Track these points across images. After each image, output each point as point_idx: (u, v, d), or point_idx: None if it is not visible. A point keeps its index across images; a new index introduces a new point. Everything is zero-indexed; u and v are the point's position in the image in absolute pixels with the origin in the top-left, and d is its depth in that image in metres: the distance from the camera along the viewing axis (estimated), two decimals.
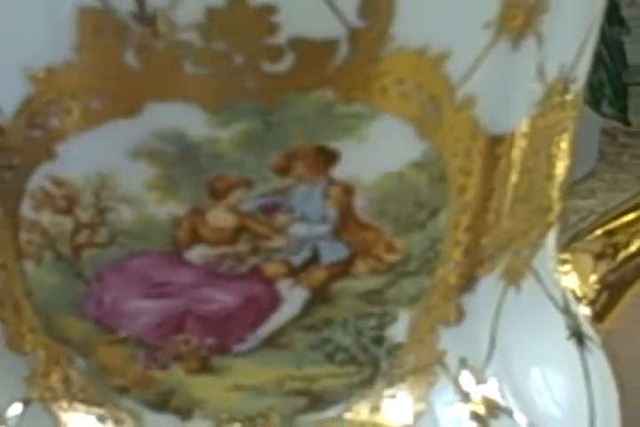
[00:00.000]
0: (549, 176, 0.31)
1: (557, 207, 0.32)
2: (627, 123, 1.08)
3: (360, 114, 0.25)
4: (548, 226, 0.32)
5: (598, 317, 0.36)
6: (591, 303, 0.36)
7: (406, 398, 0.30)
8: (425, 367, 0.30)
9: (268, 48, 0.23)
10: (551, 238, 0.33)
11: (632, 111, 1.05)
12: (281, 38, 0.23)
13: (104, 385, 0.29)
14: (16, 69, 0.25)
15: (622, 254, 0.36)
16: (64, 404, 0.29)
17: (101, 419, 0.29)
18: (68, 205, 0.26)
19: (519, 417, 0.31)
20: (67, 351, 0.28)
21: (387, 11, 0.24)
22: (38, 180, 0.26)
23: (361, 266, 0.27)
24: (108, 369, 0.28)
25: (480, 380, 0.31)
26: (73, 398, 0.29)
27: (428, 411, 0.30)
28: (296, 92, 0.24)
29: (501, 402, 0.31)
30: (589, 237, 0.37)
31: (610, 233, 0.37)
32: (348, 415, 0.29)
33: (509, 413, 0.31)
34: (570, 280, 0.36)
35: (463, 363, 0.30)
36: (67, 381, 0.29)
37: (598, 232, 0.37)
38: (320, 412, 0.29)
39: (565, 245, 0.36)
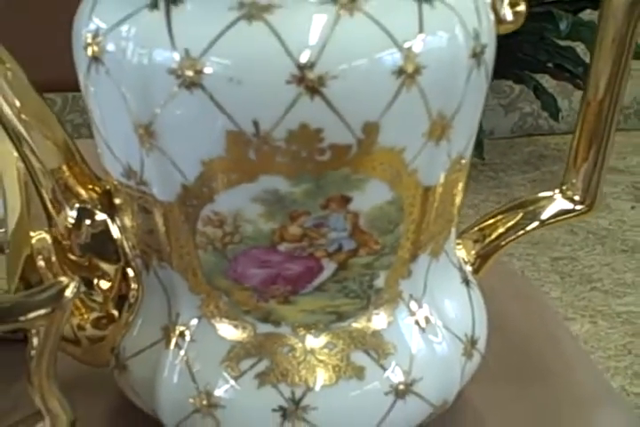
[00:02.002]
0: (452, 203, 0.30)
1: (456, 218, 0.31)
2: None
3: (361, 179, 0.25)
4: (451, 227, 0.31)
5: (476, 271, 0.34)
6: (472, 264, 0.34)
7: (382, 315, 0.29)
8: (392, 299, 0.29)
9: (318, 149, 0.24)
10: (453, 233, 0.31)
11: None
12: (324, 144, 0.24)
13: (237, 309, 0.28)
14: (194, 157, 0.25)
15: (487, 240, 0.34)
16: (217, 318, 0.28)
17: (235, 326, 0.28)
18: (220, 224, 0.26)
19: (438, 322, 0.30)
20: (218, 293, 0.28)
21: (375, 130, 0.24)
22: (206, 212, 0.26)
23: (362, 252, 0.27)
24: (239, 302, 0.28)
25: (420, 305, 0.30)
26: (221, 315, 0.28)
27: (393, 321, 0.29)
28: (332, 169, 0.25)
29: (430, 316, 0.30)
30: (471, 231, 0.35)
31: (481, 229, 0.35)
32: (354, 324, 0.29)
33: (434, 320, 0.30)
34: (461, 253, 0.34)
35: (411, 297, 0.29)
36: (218, 307, 0.28)
37: (475, 229, 0.35)
38: (341, 322, 0.29)
39: (459, 236, 0.34)
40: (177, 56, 0.23)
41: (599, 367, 0.42)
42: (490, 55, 0.27)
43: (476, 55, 0.25)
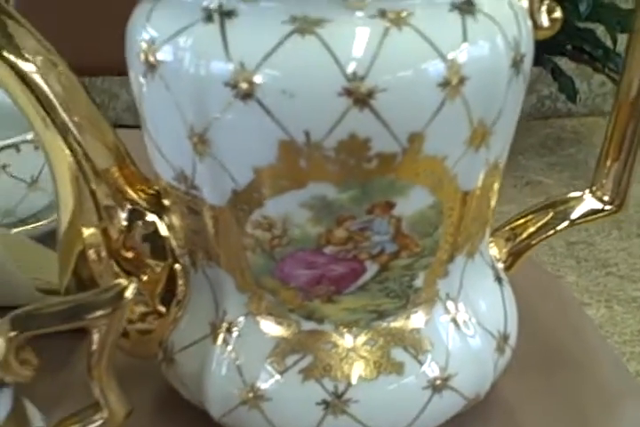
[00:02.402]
0: (488, 205, 0.31)
1: (491, 220, 0.32)
2: None
3: (405, 185, 0.26)
4: (486, 228, 0.32)
5: (507, 269, 0.35)
6: (504, 262, 0.35)
7: (420, 313, 0.30)
8: (430, 298, 0.30)
9: (366, 157, 0.25)
10: (487, 233, 0.32)
11: None
12: (372, 152, 0.25)
13: (282, 307, 0.29)
14: (247, 164, 0.26)
15: (518, 239, 0.35)
16: (263, 315, 0.30)
17: (280, 323, 0.30)
18: (269, 228, 0.27)
19: (472, 320, 0.31)
20: (265, 292, 0.29)
21: (419, 139, 0.25)
22: (255, 216, 0.27)
23: (403, 254, 0.28)
24: (285, 300, 0.29)
25: (456, 303, 0.31)
26: (267, 313, 0.29)
27: (430, 319, 0.30)
28: (377, 176, 0.26)
29: (465, 314, 0.31)
30: (503, 230, 0.36)
31: (512, 228, 0.36)
32: (394, 322, 0.30)
33: (469, 318, 0.31)
34: (493, 251, 0.35)
35: (447, 296, 0.30)
36: (264, 305, 0.29)
37: (507, 228, 0.36)
38: (381, 320, 0.30)
39: (491, 234, 0.34)
40: (232, 68, 0.24)
41: (618, 355, 0.43)
42: (528, 63, 0.28)
43: (516, 64, 0.26)
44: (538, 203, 0.36)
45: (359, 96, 0.24)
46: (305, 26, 0.23)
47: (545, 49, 1.70)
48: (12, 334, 0.26)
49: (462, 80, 0.25)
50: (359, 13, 0.24)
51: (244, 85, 0.24)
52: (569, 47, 1.70)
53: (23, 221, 0.49)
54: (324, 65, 0.23)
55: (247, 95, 0.24)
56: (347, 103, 0.24)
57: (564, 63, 1.81)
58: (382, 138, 0.25)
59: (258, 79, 0.24)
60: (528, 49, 0.27)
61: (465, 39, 0.25)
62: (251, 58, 0.24)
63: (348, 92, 0.23)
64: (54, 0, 1.09)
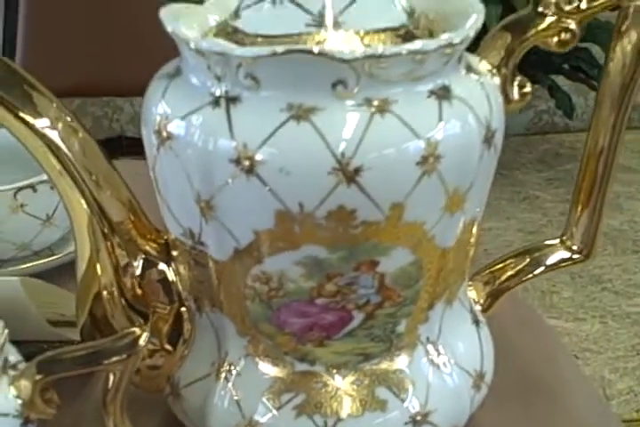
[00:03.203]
0: (466, 257, 0.34)
1: (468, 269, 0.35)
2: None
3: (388, 246, 0.30)
4: (464, 276, 0.35)
5: (485, 310, 0.38)
6: (482, 304, 0.38)
7: (403, 356, 0.34)
8: (412, 342, 0.34)
9: (352, 225, 0.29)
10: (465, 280, 0.36)
11: None
12: (357, 221, 0.28)
13: (278, 350, 0.33)
14: (247, 227, 0.29)
15: (497, 282, 0.39)
16: (260, 357, 0.33)
17: (276, 364, 0.33)
18: (267, 281, 0.30)
19: (451, 360, 0.34)
20: (262, 336, 0.32)
21: (400, 209, 0.29)
22: (254, 271, 0.30)
23: (386, 304, 0.31)
24: (280, 344, 0.32)
25: (435, 346, 0.34)
26: (264, 355, 0.33)
27: (412, 361, 0.34)
28: (363, 240, 0.29)
29: (444, 355, 0.34)
30: (482, 274, 0.39)
31: (492, 271, 0.39)
32: (378, 364, 0.33)
33: (448, 359, 0.34)
34: (472, 294, 0.38)
35: (428, 339, 0.34)
36: (262, 347, 0.33)
37: (486, 271, 0.39)
38: (367, 362, 0.33)
39: (471, 278, 0.38)
40: (236, 147, 0.28)
41: (593, 384, 0.45)
42: (499, 136, 0.31)
43: (487, 140, 0.30)
44: (517, 248, 0.40)
45: (347, 174, 0.27)
46: (300, 113, 0.27)
47: (541, 68, 1.73)
48: (38, 377, 0.30)
49: (438, 158, 0.28)
50: (348, 102, 0.27)
51: (247, 162, 0.28)
52: (565, 66, 1.73)
53: (37, 254, 0.53)
54: (317, 147, 0.27)
55: (249, 171, 0.28)
56: (336, 180, 0.27)
57: (561, 80, 1.84)
58: (367, 208, 0.28)
59: (259, 158, 0.27)
60: (499, 124, 0.31)
61: (439, 121, 0.28)
62: (252, 139, 0.27)
63: (337, 171, 0.27)
64: (64, 24, 1.13)
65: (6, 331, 0.31)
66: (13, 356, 0.31)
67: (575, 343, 1.39)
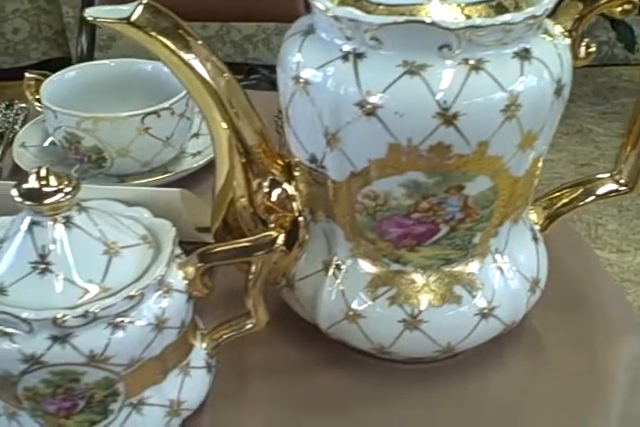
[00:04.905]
0: (531, 185, 0.42)
1: (532, 194, 0.43)
2: None
3: (473, 174, 0.38)
4: (528, 201, 0.43)
5: (543, 230, 0.46)
6: (540, 225, 0.46)
7: (476, 262, 0.42)
8: (484, 251, 0.42)
9: (448, 156, 0.37)
10: (528, 204, 0.43)
11: None
12: (452, 154, 0.37)
13: (378, 253, 0.41)
14: (364, 156, 0.37)
15: (554, 207, 0.47)
16: (363, 258, 0.42)
17: (375, 264, 0.41)
18: (374, 198, 0.39)
19: (513, 268, 0.43)
20: (366, 242, 0.41)
21: (485, 145, 0.37)
22: (365, 190, 0.39)
23: (467, 220, 0.40)
24: (380, 248, 0.41)
25: (502, 255, 0.42)
26: (366, 256, 0.41)
27: (483, 266, 0.42)
28: (455, 169, 0.37)
29: (508, 263, 0.42)
30: (542, 199, 0.47)
31: (550, 199, 0.47)
32: (456, 267, 0.42)
33: (511, 266, 0.42)
34: (533, 216, 0.46)
35: (496, 250, 0.42)
36: (364, 250, 0.41)
37: (545, 198, 0.47)
38: (447, 265, 0.41)
39: (532, 203, 0.45)
40: (361, 94, 0.36)
41: (624, 295, 0.53)
42: (567, 89, 0.39)
43: (558, 91, 0.38)
44: (571, 180, 0.48)
45: (447, 117, 0.36)
46: (412, 69, 0.36)
47: None
48: (200, 264, 0.40)
49: (518, 106, 0.36)
50: (450, 61, 0.36)
51: (369, 106, 0.36)
52: None
53: (153, 170, 0.63)
54: (424, 96, 0.35)
55: (370, 112, 0.36)
56: (438, 122, 0.36)
57: None
58: (460, 144, 0.37)
59: (378, 102, 0.36)
60: (568, 79, 0.39)
61: (521, 77, 0.37)
62: (374, 88, 0.36)
63: (439, 115, 0.36)
64: None
65: (174, 229, 0.40)
66: (177, 249, 0.41)
67: (616, 274, 1.47)
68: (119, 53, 1.75)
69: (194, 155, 0.64)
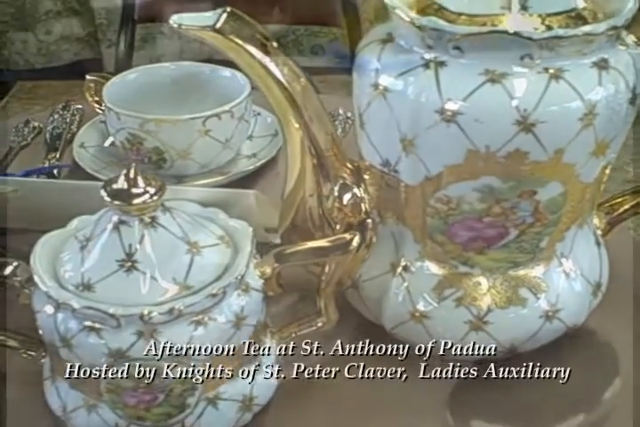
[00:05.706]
0: (598, 190, 0.43)
1: (597, 200, 0.44)
2: None
3: (546, 180, 0.39)
4: (594, 207, 0.44)
5: (604, 235, 0.47)
6: (602, 230, 0.47)
7: (542, 265, 0.43)
8: (549, 255, 0.43)
9: (524, 163, 0.38)
10: (593, 210, 0.44)
11: None
12: (528, 161, 0.38)
13: (446, 256, 0.42)
14: (440, 162, 0.38)
15: (615, 213, 0.48)
16: (431, 260, 0.43)
17: (443, 266, 0.43)
18: (447, 202, 0.40)
19: (577, 272, 0.44)
20: (435, 244, 0.42)
21: (561, 153, 0.38)
22: (438, 194, 0.40)
23: (536, 224, 0.40)
24: (448, 251, 0.42)
25: (567, 259, 0.43)
26: (434, 258, 0.42)
27: (548, 270, 0.43)
28: (529, 174, 0.38)
29: (572, 267, 0.43)
30: (604, 205, 0.48)
31: (611, 205, 0.48)
32: (523, 271, 0.42)
33: (575, 270, 0.43)
34: (595, 221, 0.46)
35: (562, 254, 0.43)
36: (433, 253, 0.42)
37: (607, 204, 0.48)
38: (514, 269, 0.42)
39: (596, 208, 0.45)
40: (442, 101, 0.37)
41: None
42: None
43: (632, 101, 0.39)
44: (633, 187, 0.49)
45: (526, 125, 0.37)
46: (494, 77, 0.37)
47: None
48: (276, 265, 0.41)
49: (595, 115, 0.37)
50: (531, 70, 0.37)
51: (449, 113, 0.37)
52: None
53: (211, 172, 0.64)
54: (505, 104, 0.36)
55: (449, 119, 0.37)
56: (517, 129, 0.37)
57: None
58: (537, 151, 0.38)
59: (459, 110, 0.37)
60: None
61: (599, 87, 0.38)
62: (455, 95, 0.37)
63: (519, 123, 0.37)
64: None
65: (251, 229, 0.42)
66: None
67: None
68: (152, 55, 1.77)
69: (249, 157, 0.65)
